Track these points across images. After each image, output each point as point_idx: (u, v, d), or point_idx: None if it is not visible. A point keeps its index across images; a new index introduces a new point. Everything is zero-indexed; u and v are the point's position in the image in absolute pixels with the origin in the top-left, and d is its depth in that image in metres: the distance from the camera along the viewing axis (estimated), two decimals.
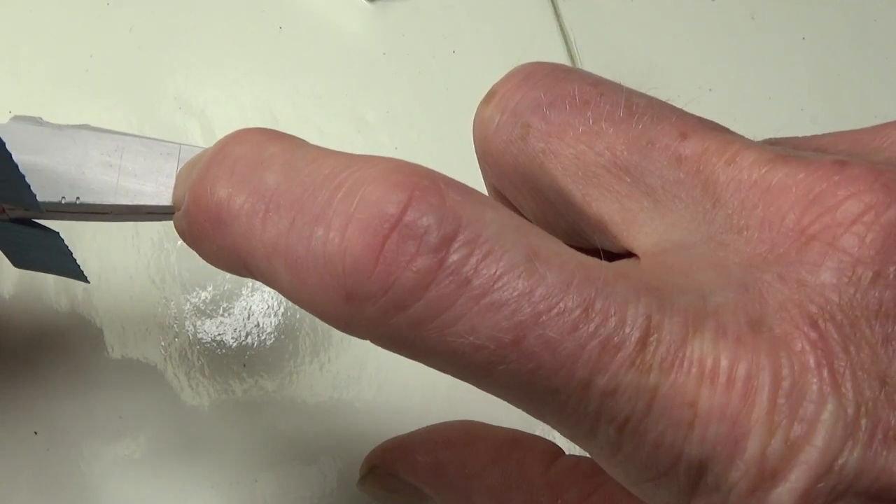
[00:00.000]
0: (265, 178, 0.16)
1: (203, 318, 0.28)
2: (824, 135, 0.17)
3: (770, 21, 0.35)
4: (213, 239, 0.17)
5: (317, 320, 0.28)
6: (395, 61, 0.33)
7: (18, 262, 0.24)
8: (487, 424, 0.22)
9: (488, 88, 0.33)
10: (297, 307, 0.28)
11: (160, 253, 0.28)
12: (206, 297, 0.28)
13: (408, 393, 0.27)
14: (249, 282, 0.28)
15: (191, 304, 0.28)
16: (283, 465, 0.26)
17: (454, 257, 0.14)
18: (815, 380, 0.13)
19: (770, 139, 0.17)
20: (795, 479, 0.13)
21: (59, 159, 0.19)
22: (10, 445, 0.25)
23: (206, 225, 0.17)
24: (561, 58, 0.33)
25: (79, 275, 0.23)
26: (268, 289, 0.28)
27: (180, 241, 0.28)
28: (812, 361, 0.13)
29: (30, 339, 0.27)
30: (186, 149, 0.20)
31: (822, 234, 0.14)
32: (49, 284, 0.27)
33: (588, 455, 0.21)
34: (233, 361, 0.27)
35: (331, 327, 0.28)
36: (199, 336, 0.27)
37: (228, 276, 0.28)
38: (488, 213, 0.15)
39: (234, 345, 0.27)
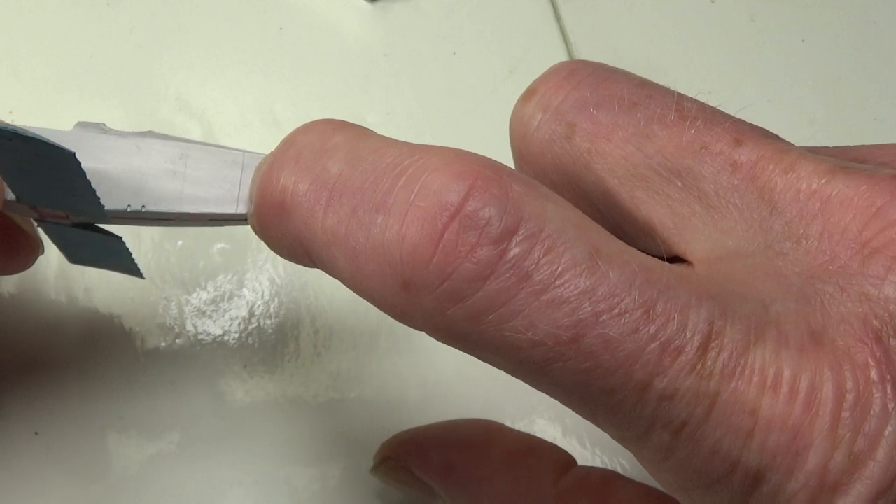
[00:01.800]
0: (328, 167, 0.16)
1: (204, 318, 0.28)
2: (860, 146, 0.17)
3: (769, 23, 0.35)
4: (278, 226, 0.17)
5: (318, 321, 0.28)
6: (396, 62, 0.33)
7: (73, 258, 0.24)
8: (504, 427, 0.22)
9: (489, 90, 0.33)
10: (298, 308, 0.28)
11: (160, 253, 0.28)
12: (207, 298, 0.28)
13: (409, 393, 0.27)
14: (250, 282, 0.28)
15: (191, 304, 0.28)
16: (284, 466, 0.26)
17: (515, 250, 0.14)
18: (878, 394, 0.13)
19: (805, 147, 0.17)
20: (857, 493, 0.13)
21: (124, 167, 0.19)
22: (10, 446, 0.25)
23: (271, 213, 0.17)
24: (561, 59, 0.33)
25: (135, 271, 0.23)
26: (268, 290, 0.28)
27: (181, 242, 0.29)
28: (875, 376, 0.13)
29: (30, 340, 0.27)
30: (250, 156, 0.20)
31: (886, 248, 0.14)
32: (49, 284, 0.27)
33: (600, 466, 0.21)
34: (234, 362, 0.27)
35: (332, 328, 0.29)
36: (200, 337, 0.27)
37: (229, 276, 0.28)
38: (550, 207, 0.14)
39: (235, 346, 0.27)
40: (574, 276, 0.14)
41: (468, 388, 0.27)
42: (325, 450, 0.26)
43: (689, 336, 0.14)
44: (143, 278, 0.24)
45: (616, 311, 0.14)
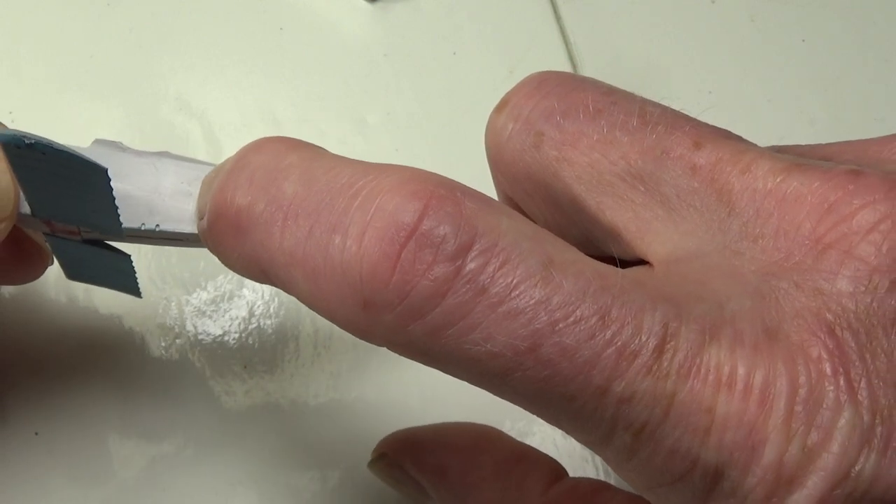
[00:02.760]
0: (283, 188, 0.16)
1: (204, 318, 0.28)
2: (829, 144, 0.18)
3: (770, 23, 0.35)
4: (234, 246, 0.17)
5: (318, 321, 0.28)
6: (396, 63, 0.33)
7: (72, 274, 0.24)
8: (499, 433, 0.22)
9: (489, 90, 0.33)
10: (298, 308, 0.28)
11: (160, 253, 0.28)
12: (207, 298, 0.28)
13: (409, 394, 0.27)
14: (250, 282, 0.28)
15: (191, 304, 0.28)
16: (284, 467, 0.26)
17: (471, 266, 0.14)
18: (831, 387, 0.13)
19: (775, 146, 0.17)
20: (812, 485, 0.13)
21: (139, 185, 0.19)
22: (11, 446, 0.25)
23: (226, 232, 0.17)
24: (561, 60, 0.34)
25: (134, 290, 0.23)
26: (268, 290, 0.28)
27: None
28: (829, 369, 0.14)
29: (30, 340, 0.27)
30: None
31: (839, 243, 0.14)
32: (49, 284, 0.27)
33: (588, 477, 0.21)
34: (234, 362, 0.27)
35: (332, 328, 0.29)
36: (200, 337, 0.27)
37: (230, 276, 0.28)
38: (504, 221, 0.15)
39: (235, 346, 0.27)
40: (529, 287, 0.14)
41: (468, 388, 0.27)
42: (325, 450, 0.26)
43: (644, 339, 0.14)
44: (141, 297, 0.24)
45: (571, 319, 0.14)
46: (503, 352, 0.14)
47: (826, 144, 0.18)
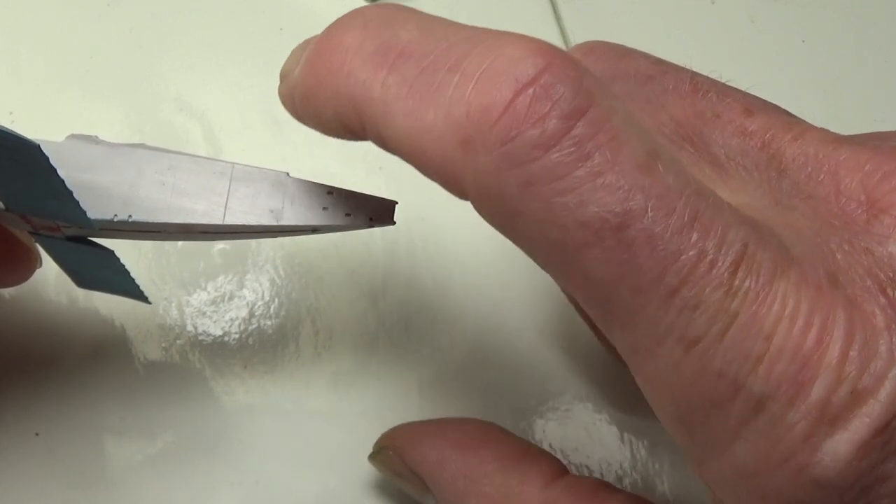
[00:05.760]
0: (399, 34, 0.16)
1: (204, 319, 0.28)
2: (863, 135, 0.18)
3: (769, 23, 0.35)
4: (331, 86, 0.16)
5: (319, 322, 0.28)
6: None
7: (80, 282, 0.24)
8: (501, 430, 0.22)
9: None
10: (298, 309, 0.28)
11: (160, 253, 0.28)
12: (207, 299, 0.28)
13: (409, 394, 0.27)
14: (250, 283, 0.28)
15: (192, 305, 0.28)
16: (284, 467, 0.26)
17: (581, 129, 0.14)
18: (884, 340, 0.14)
19: None
20: (855, 429, 0.14)
21: (113, 177, 0.19)
22: (11, 447, 0.25)
23: (325, 72, 0.16)
24: None
25: (139, 295, 0.23)
26: (268, 290, 0.28)
27: (181, 242, 0.28)
28: (882, 322, 0.14)
29: (30, 340, 0.27)
30: (239, 168, 0.20)
31: (891, 209, 0.15)
32: (49, 284, 0.27)
33: (590, 476, 0.21)
34: (234, 363, 0.27)
35: (333, 328, 0.29)
36: (200, 338, 0.27)
37: (230, 277, 0.28)
38: (618, 104, 0.15)
39: (236, 346, 0.27)
40: (633, 168, 0.14)
41: (468, 388, 0.27)
42: (326, 450, 0.26)
43: (724, 251, 0.14)
44: (150, 303, 0.24)
45: (665, 210, 0.14)
46: (591, 222, 0.14)
47: (858, 135, 0.18)
